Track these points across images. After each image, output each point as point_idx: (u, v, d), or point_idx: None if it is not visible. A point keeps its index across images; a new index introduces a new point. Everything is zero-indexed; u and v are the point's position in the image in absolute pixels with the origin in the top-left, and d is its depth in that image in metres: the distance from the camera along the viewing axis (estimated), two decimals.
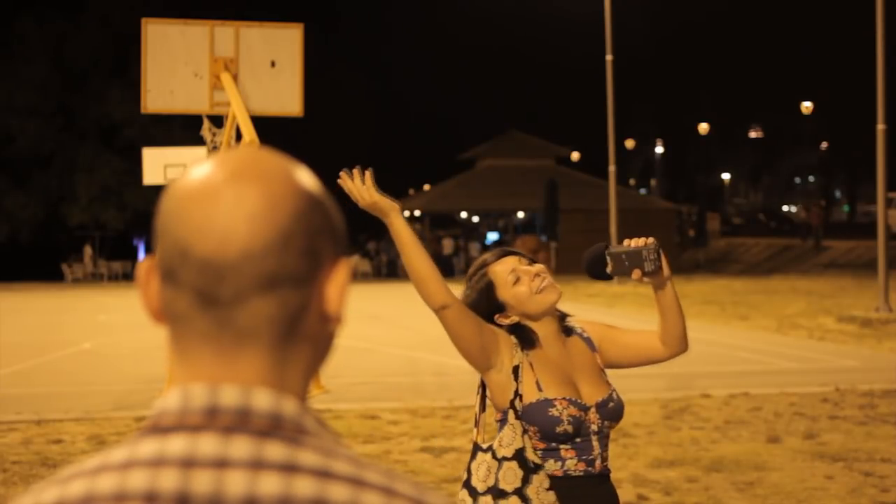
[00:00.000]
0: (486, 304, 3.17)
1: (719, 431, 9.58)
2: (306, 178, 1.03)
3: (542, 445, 3.06)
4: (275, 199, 0.99)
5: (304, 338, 1.01)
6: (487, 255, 3.29)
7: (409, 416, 10.38)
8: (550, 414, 3.05)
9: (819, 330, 18.66)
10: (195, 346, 1.00)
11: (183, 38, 12.33)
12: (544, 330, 3.19)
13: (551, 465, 3.06)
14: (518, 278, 3.15)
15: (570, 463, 3.07)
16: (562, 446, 3.07)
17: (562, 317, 3.26)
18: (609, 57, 30.28)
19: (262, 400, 0.98)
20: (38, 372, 13.95)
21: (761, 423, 9.96)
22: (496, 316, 3.17)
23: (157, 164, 30.91)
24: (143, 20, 12.47)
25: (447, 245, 44.53)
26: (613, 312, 23.19)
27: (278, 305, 0.99)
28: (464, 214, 53.32)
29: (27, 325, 20.82)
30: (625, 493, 7.45)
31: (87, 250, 42.40)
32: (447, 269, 42.70)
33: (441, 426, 9.90)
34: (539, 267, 3.21)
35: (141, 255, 49.78)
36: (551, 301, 3.15)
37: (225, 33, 12.38)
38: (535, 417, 3.06)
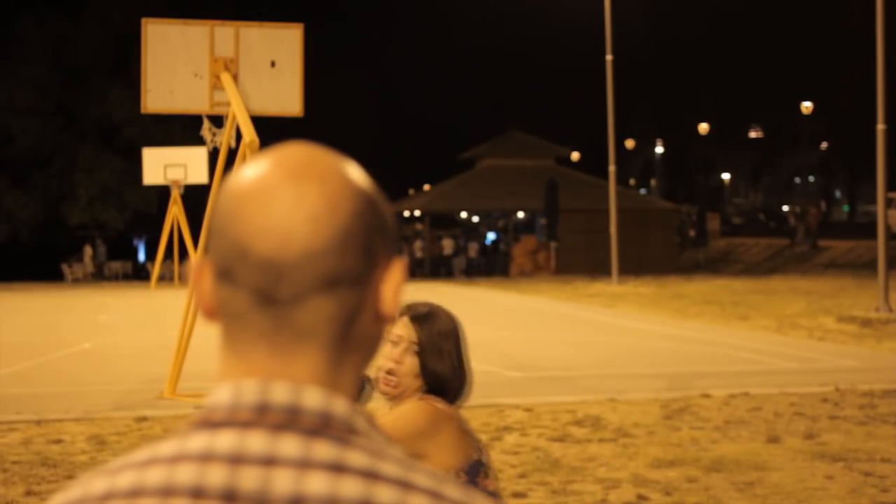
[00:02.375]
0: None
1: (719, 431, 9.58)
2: (361, 176, 1.03)
3: None
4: (334, 198, 0.99)
5: (358, 337, 1.02)
6: (426, 307, 3.19)
7: None
8: None
9: (819, 330, 18.66)
10: (251, 343, 1.00)
11: (183, 38, 12.33)
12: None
13: None
14: (395, 343, 3.12)
15: None
16: None
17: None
18: (609, 57, 30.28)
19: (313, 398, 0.98)
20: (38, 372, 13.95)
21: (761, 423, 9.96)
22: None
23: (157, 164, 31.15)
24: (143, 20, 12.46)
25: (447, 245, 44.53)
26: (613, 312, 23.20)
27: (337, 305, 0.99)
28: (464, 214, 53.32)
29: (27, 325, 20.81)
30: (625, 493, 7.46)
31: (87, 250, 42.39)
32: (447, 269, 42.70)
33: None
34: (407, 363, 3.11)
35: (141, 255, 49.79)
36: (379, 386, 3.11)
37: (225, 33, 12.38)
38: None
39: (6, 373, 13.69)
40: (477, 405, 10.95)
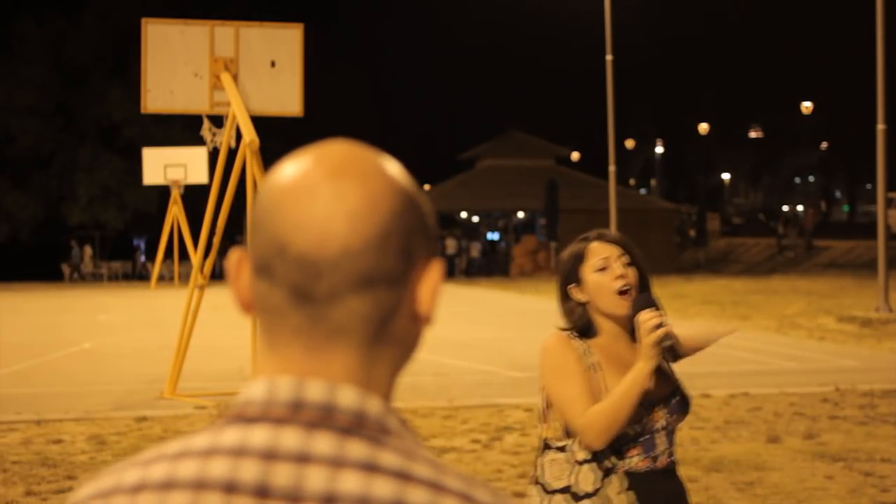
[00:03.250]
0: (568, 272, 3.20)
1: (719, 431, 9.58)
2: (402, 175, 1.03)
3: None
4: (374, 197, 0.99)
5: (394, 337, 1.01)
6: (599, 230, 3.27)
7: (409, 416, 10.38)
8: None
9: (819, 330, 18.66)
10: (286, 339, 1.00)
11: (183, 38, 12.32)
12: (610, 324, 3.18)
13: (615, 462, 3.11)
14: (606, 267, 3.14)
15: (635, 460, 3.10)
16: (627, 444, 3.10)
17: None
18: (609, 57, 30.27)
19: (347, 397, 0.98)
20: (38, 372, 13.95)
21: (761, 423, 9.96)
22: (570, 286, 3.19)
23: (157, 164, 31.18)
24: (143, 20, 12.46)
25: (450, 245, 44.56)
26: None
27: (373, 304, 0.99)
28: (464, 214, 53.31)
29: (27, 325, 20.81)
30: None
31: (87, 250, 42.40)
32: (449, 269, 42.71)
33: (441, 426, 9.90)
34: (630, 273, 3.15)
35: (141, 255, 49.80)
36: (622, 311, 3.13)
37: (225, 33, 12.37)
38: None
39: (6, 373, 13.69)
40: (477, 405, 10.95)
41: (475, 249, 44.98)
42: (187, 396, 11.53)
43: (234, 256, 1.03)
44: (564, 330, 3.21)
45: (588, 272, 3.16)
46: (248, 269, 1.02)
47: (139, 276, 41.84)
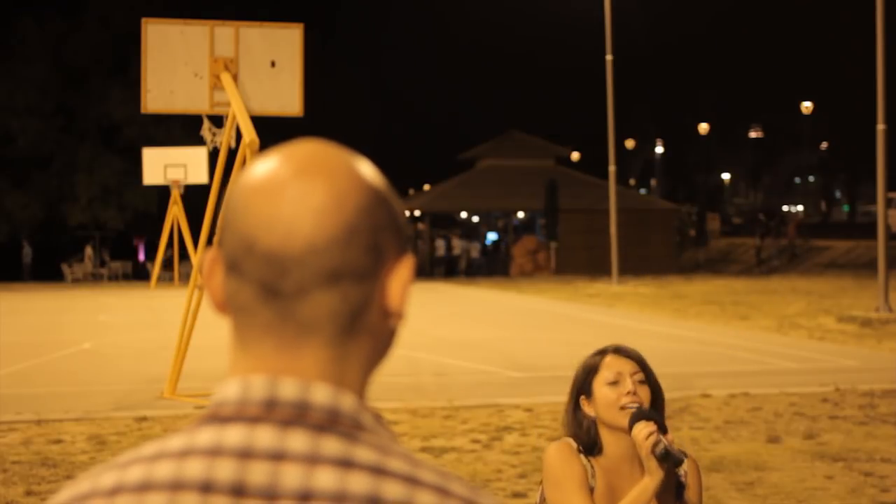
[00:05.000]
0: (580, 383, 3.14)
1: (719, 431, 9.58)
2: (371, 173, 1.04)
3: None
4: (340, 194, 1.00)
5: (365, 332, 1.02)
6: (616, 344, 3.18)
7: (409, 416, 10.38)
8: None
9: (819, 330, 18.66)
10: (257, 337, 1.01)
11: (183, 38, 12.32)
12: (619, 447, 3.09)
13: None
14: (616, 382, 3.07)
15: None
16: None
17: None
18: (609, 57, 30.29)
19: (321, 394, 0.99)
20: (38, 372, 13.95)
21: (761, 423, 9.97)
22: (581, 397, 3.13)
23: (157, 164, 31.21)
24: (143, 20, 12.46)
25: (456, 245, 44.62)
26: (613, 312, 23.19)
27: (340, 300, 1.00)
28: (464, 214, 53.30)
29: (27, 325, 20.81)
30: None
31: (87, 250, 42.40)
32: (451, 269, 42.71)
33: (441, 426, 9.90)
34: (642, 392, 3.06)
35: (141, 255, 49.82)
36: (623, 423, 3.03)
37: (225, 33, 12.38)
38: None
39: (6, 373, 13.69)
40: (477, 405, 10.95)
41: (475, 249, 44.99)
42: (187, 396, 11.53)
43: (208, 256, 1.04)
44: (572, 440, 3.14)
45: (599, 385, 3.08)
46: (221, 269, 1.03)
47: (135, 275, 41.74)
